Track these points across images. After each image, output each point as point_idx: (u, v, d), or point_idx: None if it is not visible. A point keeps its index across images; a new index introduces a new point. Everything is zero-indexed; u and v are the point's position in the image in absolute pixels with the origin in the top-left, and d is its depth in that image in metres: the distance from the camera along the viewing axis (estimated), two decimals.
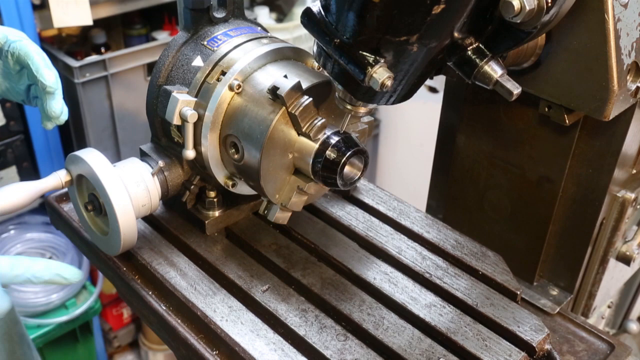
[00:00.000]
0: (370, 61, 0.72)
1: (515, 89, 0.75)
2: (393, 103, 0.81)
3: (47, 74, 0.94)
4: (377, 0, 0.66)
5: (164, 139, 1.01)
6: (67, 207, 1.13)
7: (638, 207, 1.09)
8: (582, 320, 1.02)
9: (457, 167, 1.17)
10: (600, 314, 1.30)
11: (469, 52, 0.74)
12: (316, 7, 0.75)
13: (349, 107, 0.83)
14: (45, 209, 1.19)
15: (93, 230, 0.97)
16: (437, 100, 1.21)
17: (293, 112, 0.85)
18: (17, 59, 0.95)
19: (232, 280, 0.95)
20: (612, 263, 1.12)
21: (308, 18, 0.76)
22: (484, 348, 0.86)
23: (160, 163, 0.97)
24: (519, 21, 0.69)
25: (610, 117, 0.86)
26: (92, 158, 0.89)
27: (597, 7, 0.81)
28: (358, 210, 1.11)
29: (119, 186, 0.88)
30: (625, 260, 1.12)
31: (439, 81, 1.25)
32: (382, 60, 0.71)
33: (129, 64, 1.99)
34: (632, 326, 1.45)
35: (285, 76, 0.87)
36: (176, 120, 0.91)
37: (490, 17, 0.72)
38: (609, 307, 1.34)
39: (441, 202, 1.26)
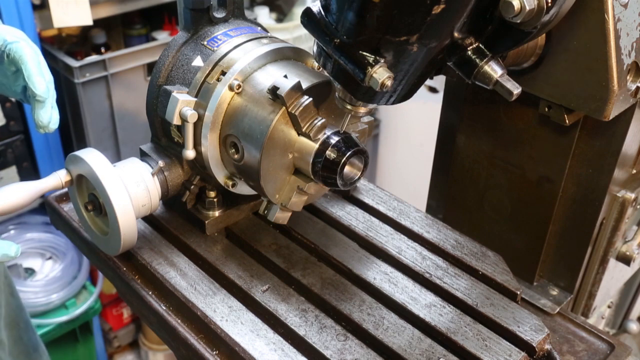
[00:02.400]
0: (370, 61, 0.72)
1: (515, 89, 0.75)
2: (393, 103, 0.81)
3: (39, 82, 0.91)
4: (377, 0, 0.66)
5: (164, 139, 1.01)
6: (67, 207, 1.13)
7: (638, 207, 1.09)
8: (582, 320, 1.02)
9: (457, 167, 1.17)
10: (600, 314, 1.30)
11: (469, 52, 0.74)
12: (316, 7, 0.75)
13: (349, 107, 0.83)
14: (45, 209, 1.19)
15: (93, 230, 0.97)
16: (437, 100, 1.21)
17: (293, 112, 0.85)
18: (12, 61, 0.93)
19: (232, 280, 0.95)
20: (612, 263, 1.12)
21: (308, 18, 0.76)
22: (484, 348, 0.86)
23: (160, 163, 0.97)
24: (519, 21, 0.69)
25: (610, 117, 0.85)
26: (92, 158, 0.89)
27: (597, 7, 0.81)
28: (358, 210, 1.11)
29: (119, 186, 0.88)
30: (625, 260, 1.12)
31: (439, 81, 1.25)
32: (382, 60, 0.71)
33: (129, 64, 1.99)
34: (632, 326, 1.45)
35: (285, 76, 0.87)
36: (176, 120, 0.91)
37: (490, 17, 0.72)
38: (609, 307, 1.33)
39: (441, 202, 1.26)
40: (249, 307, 0.91)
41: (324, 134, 0.87)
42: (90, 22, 1.86)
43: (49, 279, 2.06)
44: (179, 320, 0.91)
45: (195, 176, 1.01)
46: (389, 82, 0.71)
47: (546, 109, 0.95)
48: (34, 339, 1.57)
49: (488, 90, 0.78)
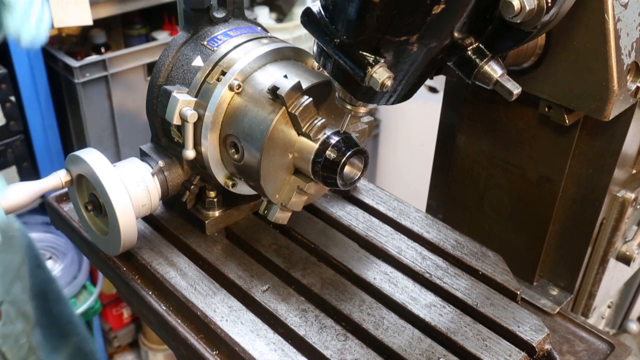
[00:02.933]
0: (370, 61, 0.72)
1: (515, 89, 0.75)
2: (393, 103, 0.81)
3: None
4: (377, 0, 0.66)
5: (164, 139, 1.01)
6: (67, 207, 1.13)
7: (638, 207, 1.09)
8: (582, 320, 1.02)
9: (457, 167, 1.17)
10: (600, 314, 1.30)
11: (469, 52, 0.74)
12: (316, 7, 0.75)
13: (349, 107, 0.83)
14: (45, 209, 1.19)
15: (93, 230, 0.97)
16: (437, 100, 1.21)
17: (293, 112, 0.85)
18: None
19: (232, 280, 0.95)
20: (612, 263, 1.12)
21: (308, 18, 0.76)
22: (484, 348, 0.86)
23: (160, 163, 0.97)
24: (519, 21, 0.69)
25: (610, 117, 0.86)
26: (92, 158, 0.89)
27: (597, 7, 0.81)
28: (358, 210, 1.11)
29: (119, 186, 0.88)
30: (625, 260, 1.12)
31: (439, 81, 1.25)
32: (382, 60, 0.71)
33: (129, 64, 1.99)
34: (632, 326, 1.45)
35: (285, 76, 0.87)
36: (176, 120, 0.91)
37: (490, 17, 0.72)
38: (609, 307, 1.33)
39: (441, 202, 1.26)
40: (249, 307, 0.91)
41: (324, 134, 0.87)
42: (90, 22, 1.86)
43: None
44: (179, 320, 0.91)
45: (195, 176, 1.01)
46: (389, 82, 0.71)
47: (546, 109, 0.95)
48: (66, 312, 1.56)
49: (488, 90, 0.78)
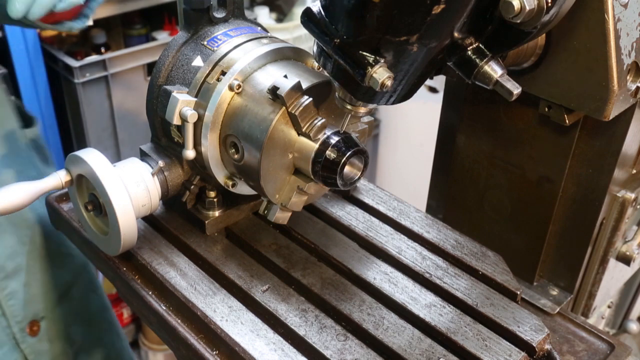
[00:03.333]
0: (370, 61, 0.71)
1: (515, 89, 0.75)
2: (393, 103, 0.81)
3: None
4: (377, 0, 0.66)
5: (164, 139, 1.01)
6: (67, 207, 1.13)
7: (638, 207, 1.09)
8: (582, 320, 1.02)
9: (457, 167, 1.17)
10: (600, 314, 1.30)
11: (469, 52, 0.74)
12: (316, 7, 0.75)
13: (349, 107, 0.83)
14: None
15: (93, 230, 0.97)
16: (437, 100, 1.21)
17: (293, 112, 0.85)
18: None
19: (232, 280, 0.95)
20: (612, 263, 1.12)
21: (308, 18, 0.76)
22: (484, 348, 0.86)
23: (160, 163, 0.97)
24: (519, 21, 0.69)
25: (610, 117, 0.85)
26: (92, 158, 0.89)
27: (597, 7, 0.81)
28: (358, 210, 1.11)
29: (119, 186, 0.88)
30: (625, 260, 1.12)
31: (439, 81, 1.25)
32: (382, 60, 0.71)
33: (129, 64, 1.99)
34: (632, 326, 1.45)
35: (285, 76, 0.87)
36: (176, 120, 0.91)
37: (490, 17, 0.72)
38: (609, 307, 1.33)
39: (441, 202, 1.26)
40: (249, 307, 0.91)
41: (324, 134, 0.87)
42: (90, 22, 1.86)
43: None
44: (179, 320, 0.91)
45: (195, 176, 1.01)
46: (389, 82, 0.71)
47: (546, 109, 0.95)
48: (118, 345, 1.52)
49: (488, 90, 0.78)
